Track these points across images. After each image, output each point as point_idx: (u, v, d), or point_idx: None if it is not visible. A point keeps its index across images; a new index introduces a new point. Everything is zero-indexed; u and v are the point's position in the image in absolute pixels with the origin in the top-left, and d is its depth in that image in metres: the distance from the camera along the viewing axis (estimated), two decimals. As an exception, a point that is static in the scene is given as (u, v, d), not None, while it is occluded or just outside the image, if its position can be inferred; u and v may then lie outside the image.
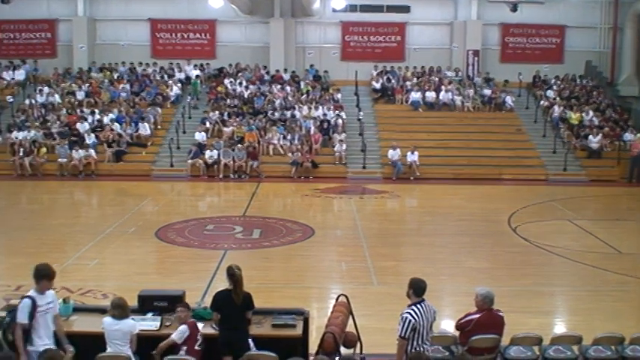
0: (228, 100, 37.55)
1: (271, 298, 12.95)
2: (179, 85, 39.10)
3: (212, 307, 9.46)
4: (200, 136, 33.43)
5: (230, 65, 40.99)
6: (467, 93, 38.26)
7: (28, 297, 8.79)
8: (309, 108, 36.33)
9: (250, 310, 9.31)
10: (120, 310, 8.99)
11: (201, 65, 40.97)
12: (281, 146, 33.45)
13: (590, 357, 9.77)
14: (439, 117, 37.03)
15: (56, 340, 8.97)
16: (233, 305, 9.17)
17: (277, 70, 40.52)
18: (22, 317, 8.65)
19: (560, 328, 12.83)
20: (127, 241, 19.56)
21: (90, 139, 33.00)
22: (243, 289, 9.26)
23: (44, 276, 8.90)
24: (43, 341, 8.72)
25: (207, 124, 34.73)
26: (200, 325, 9.55)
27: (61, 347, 8.85)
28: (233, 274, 9.22)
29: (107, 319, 9.09)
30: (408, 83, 39.42)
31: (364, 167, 32.91)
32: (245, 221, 22.68)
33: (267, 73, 40.64)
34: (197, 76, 39.57)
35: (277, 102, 37.08)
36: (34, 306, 8.70)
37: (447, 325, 11.39)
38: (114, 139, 33.30)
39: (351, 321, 10.15)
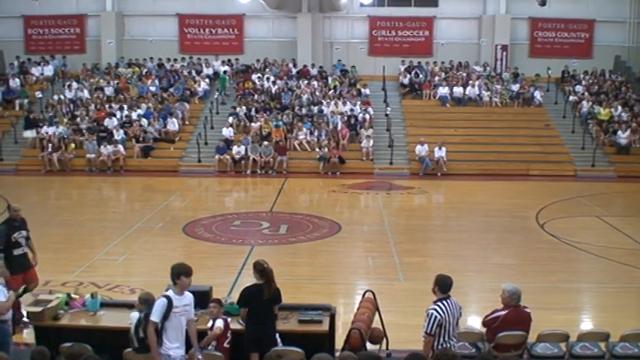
0: (256, 96, 37.61)
1: (298, 293, 12.99)
2: (207, 80, 39.22)
3: (240, 302, 9.46)
4: (227, 132, 33.53)
5: (257, 60, 41.04)
6: (495, 88, 38.08)
7: (166, 297, 8.63)
8: (337, 103, 36.29)
9: (278, 304, 9.34)
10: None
11: (229, 60, 41.03)
12: (308, 142, 33.46)
13: (617, 354, 9.70)
14: (467, 112, 36.89)
15: (187, 344, 8.87)
16: (261, 300, 9.20)
17: (305, 65, 40.53)
18: (155, 316, 8.51)
19: (587, 325, 12.78)
20: (155, 237, 19.68)
21: (118, 134, 33.20)
22: (274, 284, 9.30)
23: (182, 273, 8.66)
24: (173, 344, 8.60)
25: (235, 120, 34.81)
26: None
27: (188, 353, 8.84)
28: (263, 270, 9.25)
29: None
30: (435, 78, 39.30)
31: (391, 163, 32.83)
32: (272, 217, 22.73)
33: (295, 66, 40.66)
34: (225, 72, 39.61)
35: (304, 97, 37.10)
36: (169, 306, 8.54)
37: (474, 322, 11.37)
38: (142, 134, 33.46)
39: (377, 317, 10.16)
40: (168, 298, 8.58)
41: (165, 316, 8.50)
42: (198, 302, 9.66)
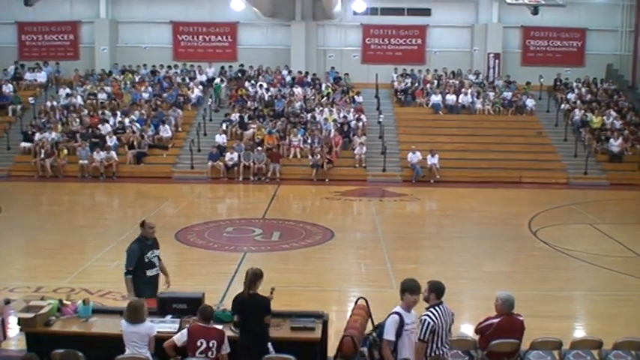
0: (249, 103, 37.61)
1: (290, 300, 12.93)
2: (200, 87, 39.21)
3: (232, 310, 9.48)
4: (220, 139, 33.52)
5: (251, 67, 41.04)
6: (487, 96, 38.15)
7: (396, 313, 8.52)
8: (330, 111, 36.31)
9: (267, 314, 9.30)
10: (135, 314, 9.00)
11: (222, 68, 41.03)
12: (301, 149, 33.48)
13: (610, 362, 9.72)
14: (459, 120, 36.96)
15: None
16: (250, 309, 9.19)
17: (300, 72, 40.56)
18: (389, 334, 8.43)
19: (580, 333, 12.77)
20: (148, 243, 19.61)
21: (111, 140, 33.14)
22: (254, 292, 9.31)
23: (407, 289, 8.56)
24: None
25: (228, 127, 34.81)
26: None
27: None
28: (246, 273, 9.38)
29: (124, 322, 9.11)
30: (428, 86, 39.36)
31: (384, 170, 32.87)
32: (265, 223, 22.71)
33: (289, 72, 40.68)
34: (221, 80, 39.52)
35: (298, 104, 37.11)
36: (401, 323, 8.47)
37: (467, 329, 11.37)
38: (135, 141, 33.43)
39: (370, 324, 10.14)
40: (399, 314, 8.52)
41: (399, 333, 8.46)
42: (191, 309, 9.66)
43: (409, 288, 8.61)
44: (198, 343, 8.88)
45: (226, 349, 8.99)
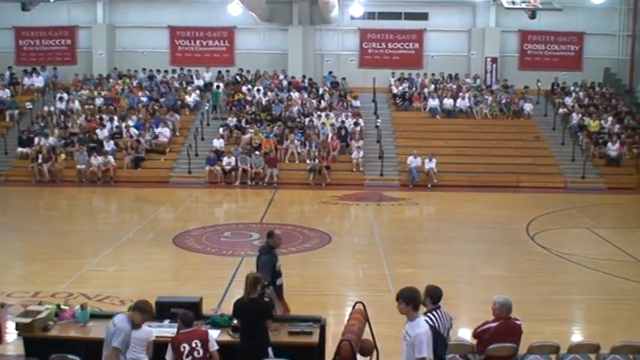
0: (247, 107, 37.62)
1: (288, 305, 12.94)
2: (197, 92, 39.20)
3: (233, 314, 9.49)
4: (218, 143, 33.52)
5: (248, 71, 41.07)
6: (486, 99, 38.19)
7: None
8: (327, 115, 36.32)
9: (267, 319, 9.29)
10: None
11: (219, 72, 41.07)
12: (298, 153, 33.49)
13: (607, 366, 9.73)
14: (457, 124, 36.99)
15: None
16: (250, 313, 9.18)
17: (293, 77, 40.60)
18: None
19: (577, 337, 12.80)
20: (145, 248, 19.64)
21: (109, 145, 33.15)
22: (254, 295, 9.27)
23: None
24: None
25: (226, 131, 34.82)
26: (216, 333, 9.56)
27: None
28: (247, 276, 9.35)
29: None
30: (426, 90, 39.38)
31: (382, 174, 32.88)
32: (262, 228, 22.63)
33: (286, 77, 40.71)
34: (217, 86, 39.48)
35: (295, 109, 37.13)
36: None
37: (464, 334, 11.37)
38: (132, 145, 33.44)
39: (367, 329, 10.14)
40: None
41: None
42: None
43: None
44: (182, 349, 8.81)
45: (214, 345, 8.93)
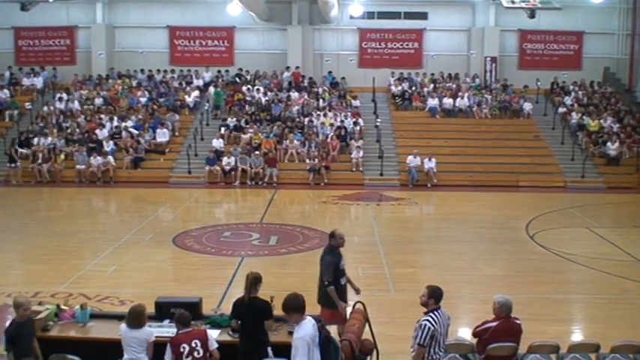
0: (246, 107, 37.61)
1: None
2: (197, 92, 39.18)
3: (231, 314, 9.45)
4: (217, 143, 33.51)
5: (247, 72, 41.08)
6: (485, 98, 38.18)
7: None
8: (327, 115, 36.32)
9: (267, 319, 9.27)
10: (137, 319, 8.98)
11: (219, 72, 41.06)
12: (298, 153, 33.49)
13: (607, 365, 9.72)
14: (457, 124, 36.98)
15: None
16: (248, 313, 9.17)
17: (297, 67, 40.64)
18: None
19: (577, 336, 12.80)
20: (145, 248, 19.62)
21: (108, 145, 33.14)
22: (254, 296, 9.28)
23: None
24: None
25: (225, 131, 34.82)
26: (216, 333, 9.56)
27: None
28: (247, 276, 9.33)
29: (124, 326, 9.09)
30: (425, 90, 39.37)
31: (381, 174, 32.87)
32: (262, 228, 22.71)
33: (288, 69, 40.70)
34: (215, 86, 39.43)
35: (295, 109, 37.12)
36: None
37: (465, 333, 11.36)
38: (132, 145, 33.43)
39: (367, 328, 10.14)
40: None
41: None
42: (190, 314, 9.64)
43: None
44: (181, 349, 8.81)
45: (213, 344, 8.95)
